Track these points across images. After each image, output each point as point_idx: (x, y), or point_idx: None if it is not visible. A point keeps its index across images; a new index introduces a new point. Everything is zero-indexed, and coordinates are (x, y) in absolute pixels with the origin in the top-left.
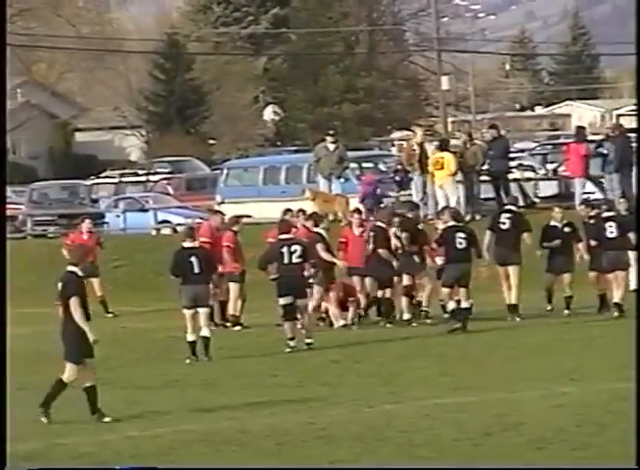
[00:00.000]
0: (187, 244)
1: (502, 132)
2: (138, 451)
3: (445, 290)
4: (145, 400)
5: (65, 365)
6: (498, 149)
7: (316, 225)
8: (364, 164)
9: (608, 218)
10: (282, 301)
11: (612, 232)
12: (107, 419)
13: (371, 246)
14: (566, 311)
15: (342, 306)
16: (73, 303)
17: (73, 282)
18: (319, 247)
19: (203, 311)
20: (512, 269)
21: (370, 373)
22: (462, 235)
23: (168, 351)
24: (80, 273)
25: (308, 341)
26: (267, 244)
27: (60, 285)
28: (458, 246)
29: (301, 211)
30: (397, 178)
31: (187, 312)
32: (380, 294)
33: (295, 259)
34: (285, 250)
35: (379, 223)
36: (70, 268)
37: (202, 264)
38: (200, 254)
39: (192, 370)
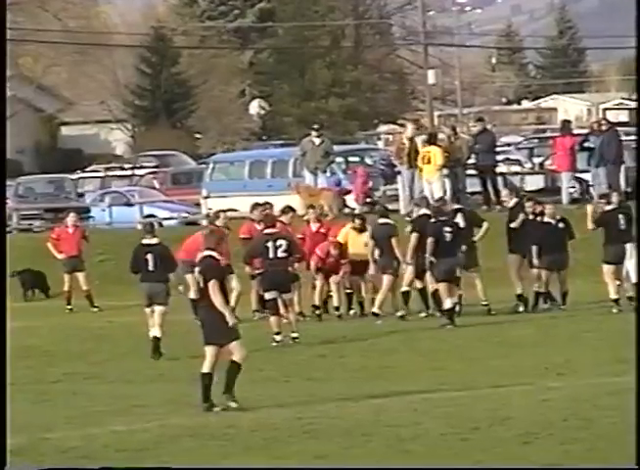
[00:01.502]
0: (145, 240)
1: (488, 126)
2: (124, 446)
3: (442, 285)
4: (131, 395)
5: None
6: (485, 143)
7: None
8: (350, 159)
9: (618, 210)
10: (267, 295)
11: (622, 225)
12: (233, 404)
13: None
14: (562, 307)
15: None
16: (212, 286)
17: (211, 266)
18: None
19: (158, 310)
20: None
21: (357, 368)
22: (448, 229)
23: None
24: (218, 257)
25: (294, 335)
26: (240, 240)
27: (198, 270)
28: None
29: (267, 203)
30: (384, 171)
31: (146, 310)
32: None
33: (280, 254)
34: (270, 244)
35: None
36: (208, 253)
37: (157, 262)
38: (157, 251)
39: (178, 364)
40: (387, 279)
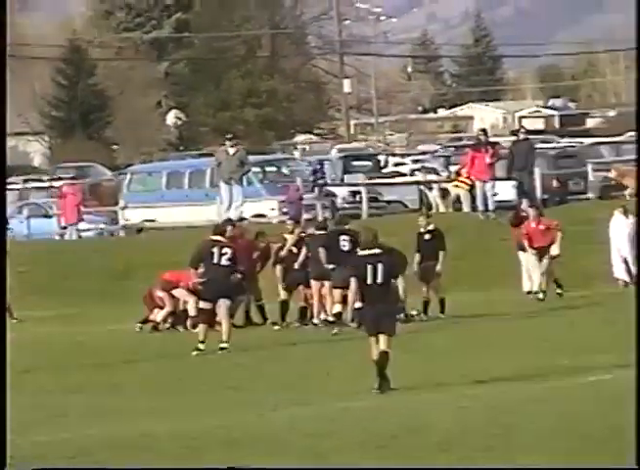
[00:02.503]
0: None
1: (405, 134)
2: (44, 456)
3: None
4: (50, 405)
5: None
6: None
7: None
8: (267, 168)
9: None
10: (202, 304)
11: None
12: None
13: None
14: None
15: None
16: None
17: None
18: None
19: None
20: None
21: (275, 376)
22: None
23: (73, 356)
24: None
25: (224, 345)
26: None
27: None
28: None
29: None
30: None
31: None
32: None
33: (223, 262)
34: (215, 250)
35: None
36: (379, 251)
37: None
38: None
39: (96, 375)
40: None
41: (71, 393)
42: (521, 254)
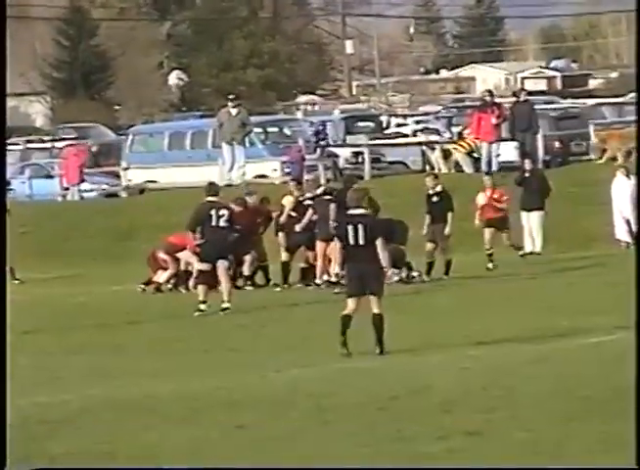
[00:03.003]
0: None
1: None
2: (45, 417)
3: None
4: (51, 367)
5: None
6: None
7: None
8: (269, 129)
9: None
10: (201, 266)
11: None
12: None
13: None
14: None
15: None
16: (380, 243)
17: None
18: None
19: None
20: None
21: (277, 338)
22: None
23: (75, 316)
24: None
25: (226, 305)
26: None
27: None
28: None
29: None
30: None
31: None
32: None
33: (222, 223)
34: (213, 212)
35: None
36: (362, 212)
37: None
38: None
39: (99, 336)
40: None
41: (73, 354)
42: (523, 214)
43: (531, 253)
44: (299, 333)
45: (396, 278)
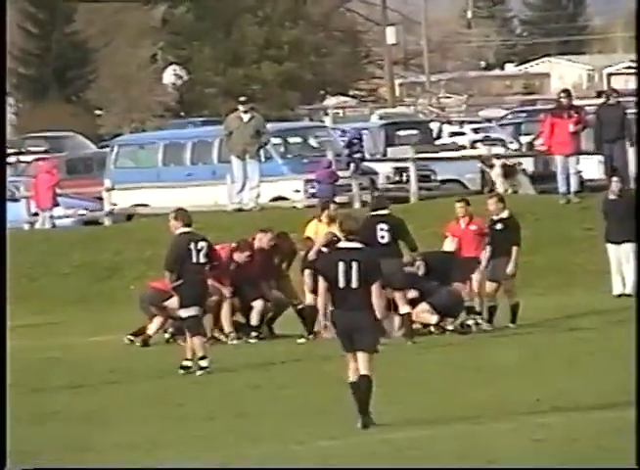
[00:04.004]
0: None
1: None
2: None
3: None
4: (17, 437)
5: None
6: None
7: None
8: (290, 139)
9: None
10: (186, 312)
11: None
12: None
13: None
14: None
15: None
16: (377, 288)
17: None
18: None
19: None
20: None
21: (299, 401)
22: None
23: (45, 376)
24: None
25: (204, 364)
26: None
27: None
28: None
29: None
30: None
31: None
32: None
33: (202, 259)
34: (192, 246)
35: None
36: (357, 245)
37: None
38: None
39: (75, 400)
40: None
41: (43, 422)
42: (609, 247)
43: (621, 295)
44: (328, 395)
45: (450, 327)
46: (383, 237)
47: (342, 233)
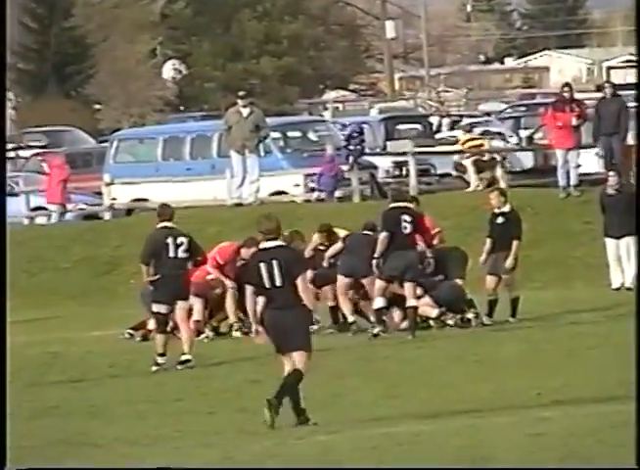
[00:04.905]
0: None
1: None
2: None
3: (380, 283)
4: (16, 432)
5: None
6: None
7: None
8: (289, 133)
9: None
10: (156, 308)
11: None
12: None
13: None
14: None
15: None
16: (302, 282)
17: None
18: None
19: None
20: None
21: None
22: (407, 218)
23: (45, 371)
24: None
25: (185, 357)
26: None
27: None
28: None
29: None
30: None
31: None
32: None
33: (180, 254)
34: (170, 241)
35: None
36: (278, 244)
37: None
38: None
39: (75, 394)
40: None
41: (42, 417)
42: (608, 240)
43: (620, 287)
44: (327, 389)
45: (450, 322)
46: (405, 228)
47: (260, 234)
